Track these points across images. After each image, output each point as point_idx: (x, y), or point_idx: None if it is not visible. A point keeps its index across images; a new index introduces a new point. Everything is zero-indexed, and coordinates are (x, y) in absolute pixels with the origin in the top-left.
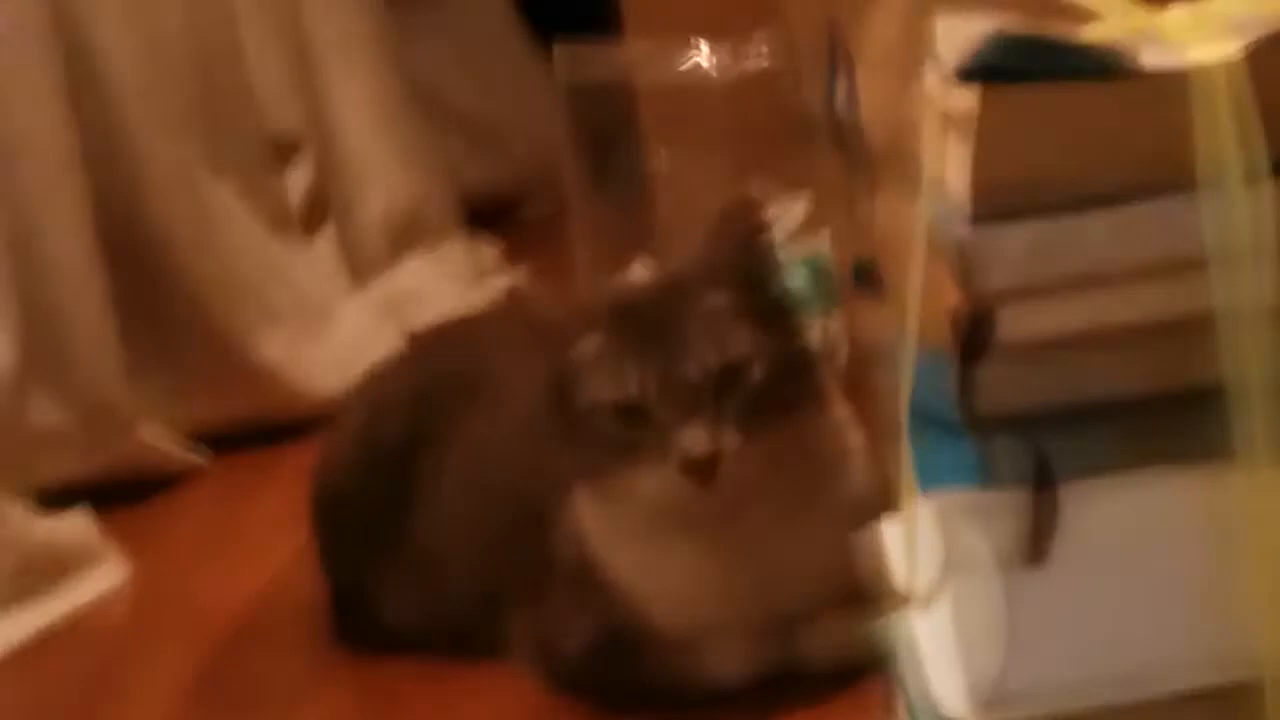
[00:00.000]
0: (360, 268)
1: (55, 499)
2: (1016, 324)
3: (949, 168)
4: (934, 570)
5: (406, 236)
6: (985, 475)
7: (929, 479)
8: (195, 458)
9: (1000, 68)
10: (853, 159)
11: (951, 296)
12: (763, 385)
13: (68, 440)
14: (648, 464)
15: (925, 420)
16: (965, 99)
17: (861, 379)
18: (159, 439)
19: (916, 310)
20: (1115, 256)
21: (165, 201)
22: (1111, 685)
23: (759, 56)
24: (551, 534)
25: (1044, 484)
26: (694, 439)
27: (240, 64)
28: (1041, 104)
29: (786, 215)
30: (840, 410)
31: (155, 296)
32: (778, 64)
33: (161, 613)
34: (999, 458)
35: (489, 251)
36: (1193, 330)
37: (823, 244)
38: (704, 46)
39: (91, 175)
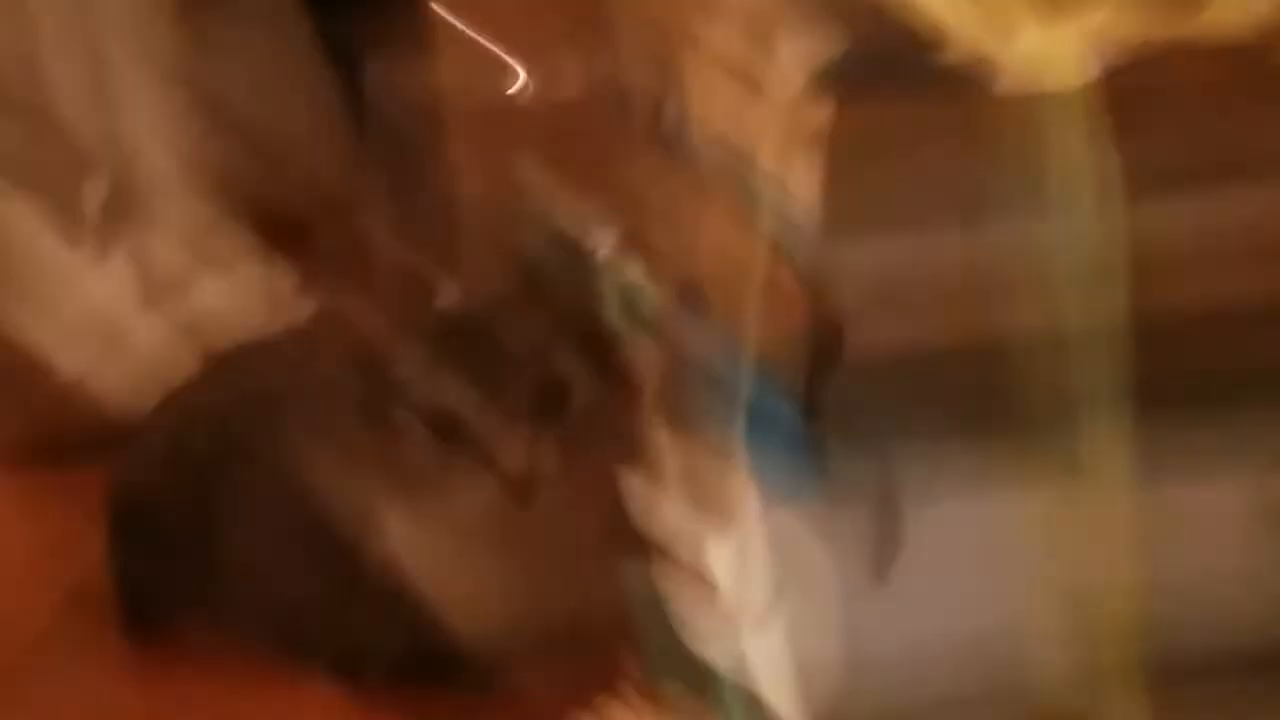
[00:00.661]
0: (156, 286)
1: None
2: (866, 337)
3: (799, 181)
4: (769, 588)
5: (202, 257)
6: (829, 489)
7: (768, 494)
8: None
9: (856, 81)
10: (682, 178)
11: (799, 309)
12: (582, 407)
13: None
14: (464, 479)
15: (764, 436)
16: (819, 112)
17: (679, 404)
18: None
19: (754, 327)
20: (966, 272)
21: None
22: (954, 703)
23: (580, 79)
24: (362, 548)
25: (889, 499)
26: (513, 455)
27: (37, 76)
28: (896, 118)
29: (604, 242)
30: (655, 437)
31: None
32: (599, 87)
33: None
34: (843, 471)
35: (286, 274)
36: (1041, 347)
37: (639, 272)
38: (523, 67)
39: None
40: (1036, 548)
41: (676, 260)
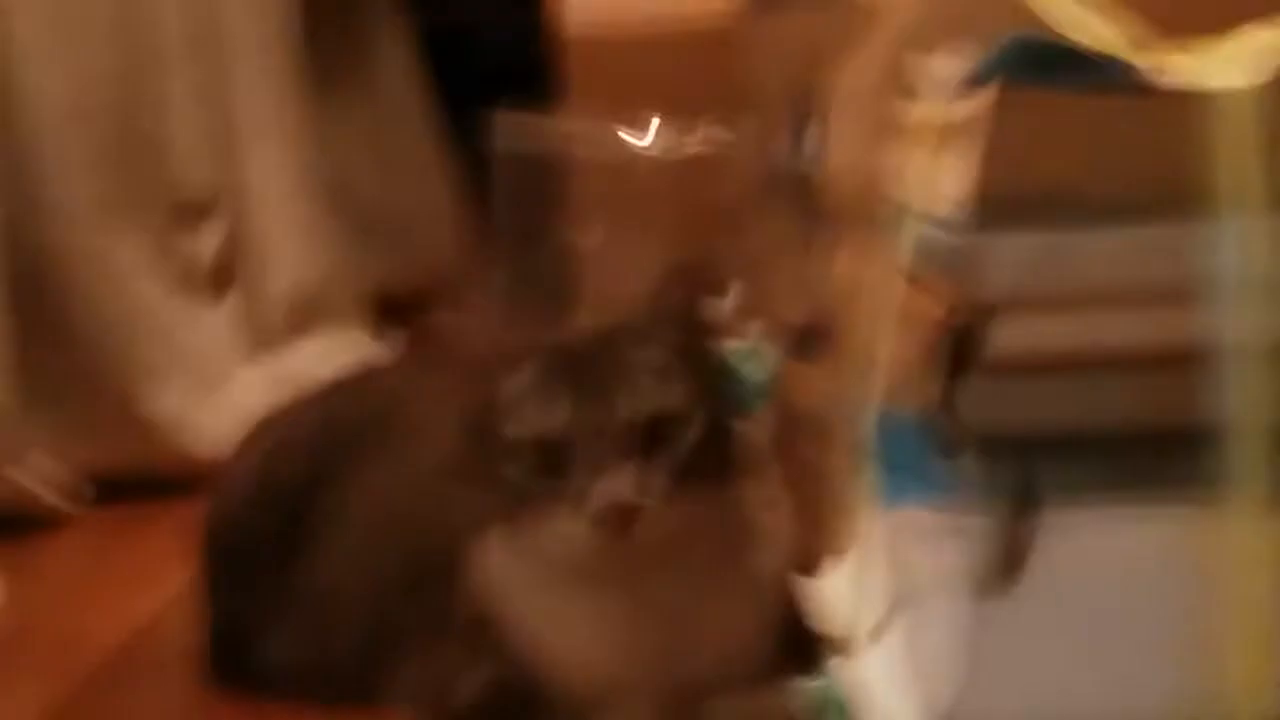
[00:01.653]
0: (261, 339)
1: None
2: (1008, 339)
3: (946, 182)
4: (889, 599)
5: (309, 317)
6: (958, 492)
7: (893, 500)
8: (76, 502)
9: (1017, 72)
10: (813, 216)
11: (937, 321)
12: (691, 447)
13: None
14: (564, 511)
15: (891, 458)
16: (973, 106)
17: (791, 452)
18: (41, 478)
19: (886, 360)
20: (1117, 277)
21: (73, 240)
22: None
23: (704, 139)
24: (452, 580)
25: (1023, 507)
26: (616, 487)
27: (163, 117)
28: (1056, 111)
29: (719, 306)
30: (762, 487)
31: (54, 334)
32: (723, 148)
33: (29, 646)
34: (975, 475)
35: (392, 346)
36: (1188, 363)
37: (752, 340)
38: (649, 125)
39: (2, 205)
40: (1171, 567)
41: (804, 300)
